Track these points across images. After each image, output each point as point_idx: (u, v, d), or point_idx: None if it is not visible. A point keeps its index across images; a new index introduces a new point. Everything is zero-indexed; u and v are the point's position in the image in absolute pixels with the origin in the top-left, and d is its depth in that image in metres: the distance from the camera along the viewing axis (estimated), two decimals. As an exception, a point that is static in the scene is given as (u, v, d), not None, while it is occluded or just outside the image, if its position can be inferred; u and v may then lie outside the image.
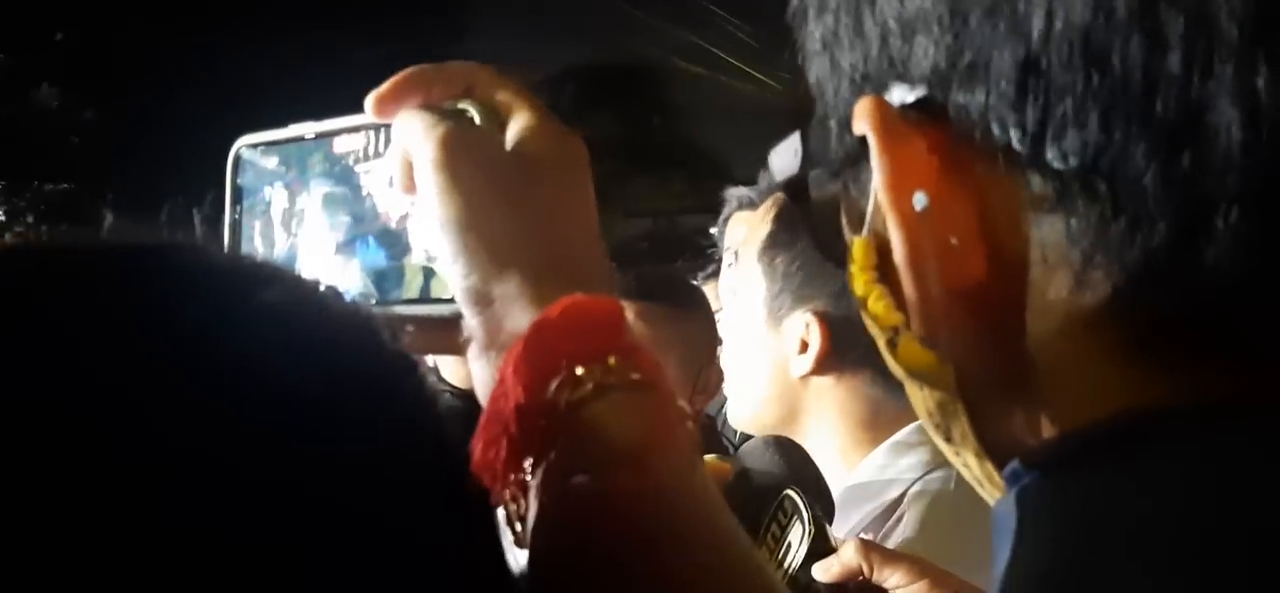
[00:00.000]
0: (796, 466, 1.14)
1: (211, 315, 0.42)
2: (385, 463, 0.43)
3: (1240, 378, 0.36)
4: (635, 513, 0.52)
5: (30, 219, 10.34)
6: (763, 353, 1.39)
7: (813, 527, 1.04)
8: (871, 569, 1.01)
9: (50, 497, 0.35)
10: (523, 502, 0.53)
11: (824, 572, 1.02)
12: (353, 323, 0.48)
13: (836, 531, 1.28)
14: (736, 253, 1.41)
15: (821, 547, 1.04)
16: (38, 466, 0.36)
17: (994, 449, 0.43)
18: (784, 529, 1.06)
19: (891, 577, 1.01)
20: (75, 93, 10.41)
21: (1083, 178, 0.36)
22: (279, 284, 0.46)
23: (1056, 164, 0.36)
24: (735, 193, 2.23)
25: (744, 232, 1.45)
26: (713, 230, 2.54)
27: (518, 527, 0.53)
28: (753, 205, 2.20)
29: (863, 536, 1.27)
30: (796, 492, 1.07)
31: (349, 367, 0.45)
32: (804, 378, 1.36)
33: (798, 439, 1.36)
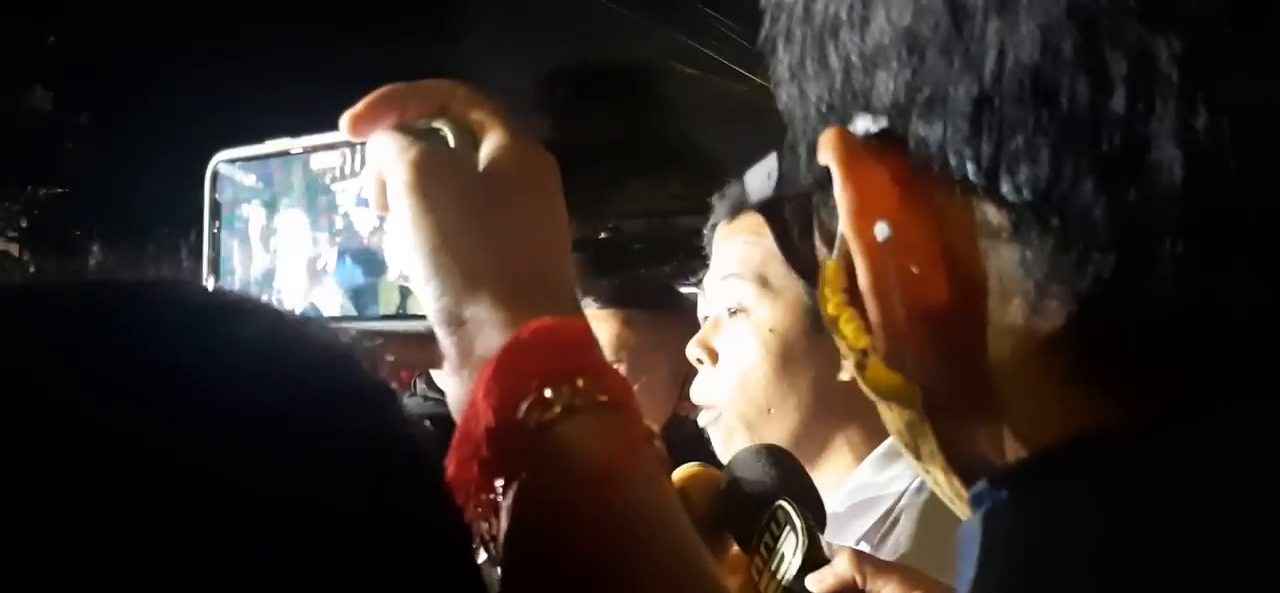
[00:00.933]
0: (788, 475, 1.14)
1: (188, 354, 0.42)
2: (362, 496, 0.43)
3: (1184, 400, 0.37)
4: (603, 531, 0.53)
5: (24, 223, 10.33)
6: (803, 365, 1.35)
7: (806, 537, 1.03)
8: (865, 580, 1.00)
9: (21, 547, 0.35)
10: (495, 522, 0.53)
11: (818, 584, 1.01)
12: (331, 356, 0.48)
13: (839, 542, 1.28)
14: (756, 277, 1.36)
15: (815, 557, 1.03)
16: (7, 514, 0.35)
17: (961, 467, 0.44)
18: (777, 540, 1.05)
19: (885, 588, 1.00)
20: (68, 96, 10.38)
21: (1036, 209, 0.37)
22: (257, 319, 0.46)
23: (1011, 196, 0.37)
24: (721, 206, 2.21)
25: (739, 257, 1.40)
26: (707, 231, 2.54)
27: (491, 547, 0.54)
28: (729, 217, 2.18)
29: (862, 548, 1.26)
30: (789, 502, 1.06)
31: (327, 402, 0.45)
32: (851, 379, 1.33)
33: (818, 454, 1.35)
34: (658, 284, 2.47)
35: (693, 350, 1.46)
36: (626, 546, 0.53)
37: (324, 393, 0.45)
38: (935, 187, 0.39)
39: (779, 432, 1.35)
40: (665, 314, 1.98)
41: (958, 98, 0.37)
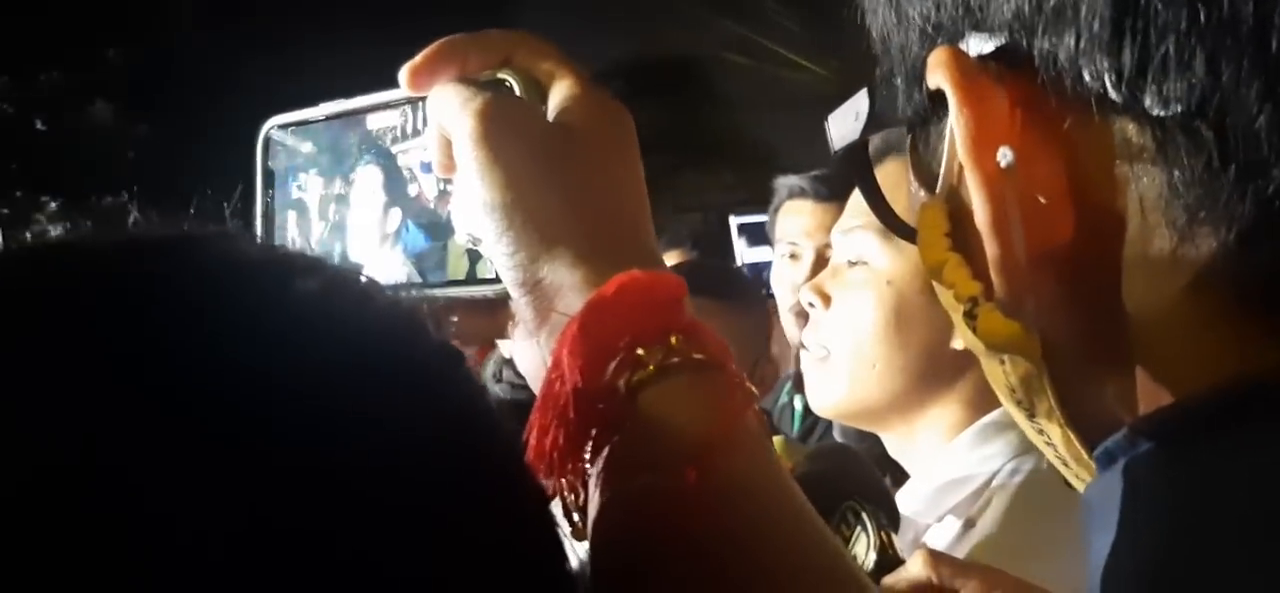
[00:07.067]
0: (858, 473, 1.10)
1: (247, 307, 0.40)
2: (430, 456, 0.40)
3: None
4: (706, 501, 0.48)
5: (89, 233, 10.53)
6: (917, 325, 1.29)
7: (877, 538, 1.00)
8: (941, 582, 0.96)
9: (81, 499, 0.33)
10: (581, 492, 0.49)
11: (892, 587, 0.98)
12: (394, 314, 0.45)
13: (925, 519, 1.23)
14: (879, 229, 1.33)
15: (888, 559, 0.99)
16: (67, 466, 0.33)
17: (1082, 424, 0.41)
18: (847, 541, 1.02)
19: (965, 588, 0.96)
20: (129, 107, 10.58)
21: (1186, 125, 0.33)
22: (317, 274, 0.43)
23: (1156, 111, 0.34)
24: (785, 182, 2.20)
25: (864, 208, 1.37)
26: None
27: (576, 518, 0.50)
28: (803, 194, 2.17)
29: (949, 522, 1.23)
30: (859, 502, 1.03)
31: (391, 359, 0.42)
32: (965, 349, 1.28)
33: (913, 420, 1.31)
34: (727, 270, 2.43)
35: (806, 294, 1.40)
36: (734, 517, 0.49)
37: (386, 353, 0.42)
38: (1064, 106, 0.36)
39: (880, 391, 1.30)
40: (734, 302, 1.94)
41: (1095, 2, 0.34)
